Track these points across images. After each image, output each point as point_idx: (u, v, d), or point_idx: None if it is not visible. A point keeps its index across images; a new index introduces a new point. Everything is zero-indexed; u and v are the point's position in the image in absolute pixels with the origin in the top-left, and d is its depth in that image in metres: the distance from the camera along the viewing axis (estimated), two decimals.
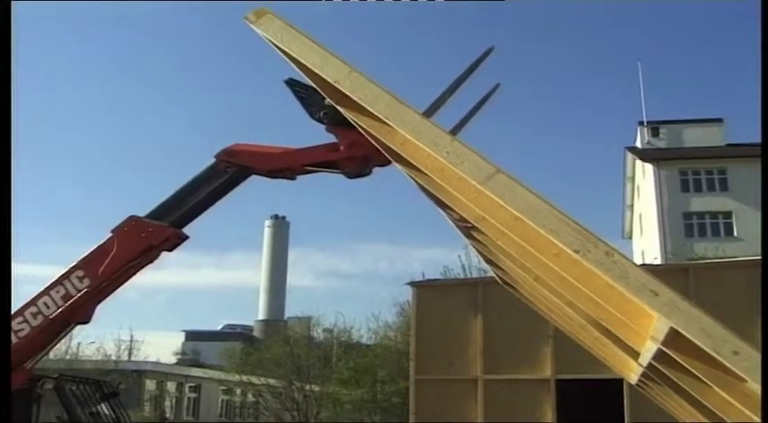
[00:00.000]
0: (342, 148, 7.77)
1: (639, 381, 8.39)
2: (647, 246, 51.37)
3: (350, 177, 8.14)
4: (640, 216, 55.66)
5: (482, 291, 17.59)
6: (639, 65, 63.92)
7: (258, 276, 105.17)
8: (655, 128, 53.03)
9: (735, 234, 48.09)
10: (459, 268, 29.74)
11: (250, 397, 38.19)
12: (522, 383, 17.12)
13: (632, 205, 58.27)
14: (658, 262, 38.39)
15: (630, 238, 60.97)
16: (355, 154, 7.71)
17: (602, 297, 4.41)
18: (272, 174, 8.53)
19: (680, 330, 3.81)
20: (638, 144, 53.29)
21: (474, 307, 17.64)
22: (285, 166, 8.43)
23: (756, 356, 3.74)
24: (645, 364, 5.43)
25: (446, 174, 4.69)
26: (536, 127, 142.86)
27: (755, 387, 3.78)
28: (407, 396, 18.18)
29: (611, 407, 16.77)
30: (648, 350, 4.79)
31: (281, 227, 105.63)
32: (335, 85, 4.99)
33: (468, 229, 7.60)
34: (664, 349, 4.27)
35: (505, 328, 17.27)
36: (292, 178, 8.55)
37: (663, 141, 52.38)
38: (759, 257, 18.43)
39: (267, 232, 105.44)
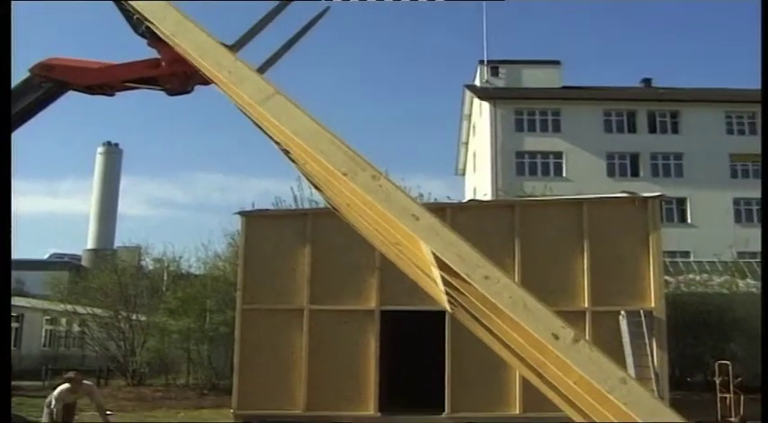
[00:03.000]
0: (163, 64, 7.55)
1: (451, 308, 8.56)
2: (479, 183, 52.79)
3: (171, 94, 7.92)
4: (474, 153, 57.00)
5: (311, 222, 17.57)
6: (484, 5, 65.12)
7: (89, 204, 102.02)
8: (494, 67, 54.08)
9: (564, 174, 50.06)
10: (291, 199, 29.68)
11: (75, 327, 37.13)
12: (348, 314, 17.33)
13: (467, 143, 59.59)
14: (488, 198, 39.44)
15: (464, 174, 62.51)
16: (176, 70, 7.50)
17: (389, 224, 4.41)
18: (90, 90, 8.15)
19: (438, 255, 3.86)
20: (478, 82, 54.27)
21: (302, 238, 17.62)
22: (103, 81, 8.07)
23: (506, 282, 3.82)
24: (442, 289, 5.50)
25: (234, 94, 4.56)
26: (380, 65, 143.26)
27: (512, 315, 3.85)
28: (235, 325, 18.06)
29: (435, 336, 17.24)
30: (436, 276, 4.85)
31: (113, 154, 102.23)
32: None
33: (287, 154, 7.47)
34: (443, 275, 4.30)
35: (333, 259, 17.37)
36: (111, 94, 8.23)
37: (502, 81, 53.58)
38: (582, 196, 19.24)
39: (99, 159, 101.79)
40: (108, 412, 13.92)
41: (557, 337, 3.92)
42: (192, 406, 21.54)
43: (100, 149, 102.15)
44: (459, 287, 4.27)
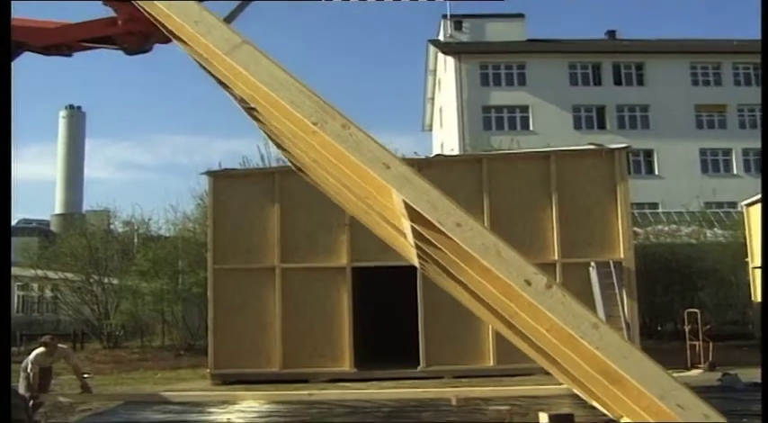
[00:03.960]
0: (120, 22, 7.45)
1: (420, 263, 8.62)
2: (446, 138, 52.76)
3: (129, 54, 7.83)
4: (441, 109, 56.88)
5: (279, 180, 17.52)
6: None
7: (55, 169, 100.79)
8: (458, 21, 53.76)
9: (530, 128, 50.12)
10: (258, 159, 29.54)
11: (48, 292, 36.87)
12: (319, 271, 17.37)
13: (433, 98, 59.42)
14: (456, 153, 39.45)
15: (431, 130, 62.42)
16: (133, 29, 7.42)
17: (358, 175, 4.42)
18: (48, 50, 8.03)
19: (410, 203, 3.88)
20: (441, 38, 53.98)
21: (271, 196, 17.59)
22: (60, 41, 7.96)
23: (479, 229, 3.87)
24: (412, 243, 5.54)
25: (200, 45, 4.53)
26: (345, 20, 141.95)
27: (484, 262, 3.91)
28: (207, 286, 18.06)
29: (408, 291, 17.35)
30: (406, 228, 4.88)
31: (76, 117, 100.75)
32: None
33: (251, 112, 7.43)
34: (413, 225, 4.34)
35: (303, 217, 17.37)
36: (69, 55, 8.12)
37: (465, 35, 53.29)
38: (549, 149, 19.31)
39: (62, 123, 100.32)
40: (85, 375, 13.92)
41: (529, 283, 3.99)
42: (168, 367, 21.57)
43: (62, 113, 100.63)
44: (429, 237, 4.30)
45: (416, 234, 4.68)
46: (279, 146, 9.06)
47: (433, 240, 4.37)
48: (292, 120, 4.24)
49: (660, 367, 4.23)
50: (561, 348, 5.02)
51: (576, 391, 8.73)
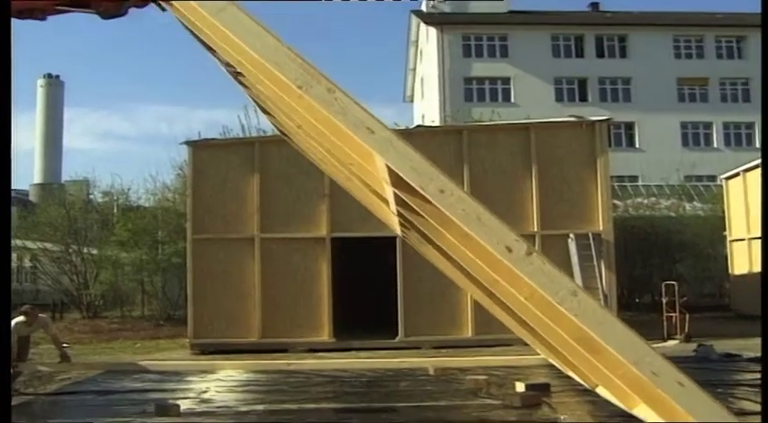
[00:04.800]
0: None
1: (402, 231, 8.62)
2: (427, 109, 52.60)
3: (104, 18, 7.65)
4: (422, 80, 56.68)
5: (259, 150, 17.45)
6: None
7: (33, 139, 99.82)
8: None
9: (512, 100, 50.07)
10: (238, 129, 29.40)
11: (27, 262, 36.68)
12: (299, 241, 17.36)
13: (415, 69, 59.17)
14: (436, 125, 39.40)
15: (412, 101, 62.24)
16: None
17: (342, 140, 4.41)
18: (20, 14, 7.86)
19: (393, 168, 3.87)
20: (424, 8, 53.69)
21: (251, 166, 17.52)
22: (33, 5, 7.78)
23: (461, 195, 3.86)
24: (394, 210, 5.53)
25: (187, 8, 4.48)
26: None
27: (465, 228, 3.91)
28: (187, 256, 18.02)
29: (387, 262, 17.39)
30: (389, 195, 4.87)
31: (54, 86, 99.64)
32: None
33: (236, 76, 7.36)
34: (396, 191, 4.33)
35: (283, 187, 17.33)
36: (43, 19, 7.93)
37: (448, 6, 52.98)
38: (530, 121, 19.33)
39: (40, 92, 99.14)
40: (64, 345, 13.89)
41: (510, 250, 4.00)
42: (148, 337, 21.58)
43: (40, 82, 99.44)
44: (412, 204, 4.30)
45: (399, 200, 4.67)
46: (265, 111, 8.99)
47: (415, 207, 4.36)
48: (277, 84, 4.21)
49: (635, 334, 4.26)
50: (540, 316, 5.04)
51: (553, 361, 8.78)
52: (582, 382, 8.16)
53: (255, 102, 9.26)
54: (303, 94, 3.84)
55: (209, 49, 6.54)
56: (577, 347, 5.32)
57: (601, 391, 7.49)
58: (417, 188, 3.94)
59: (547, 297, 4.07)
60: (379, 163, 4.14)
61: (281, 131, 10.60)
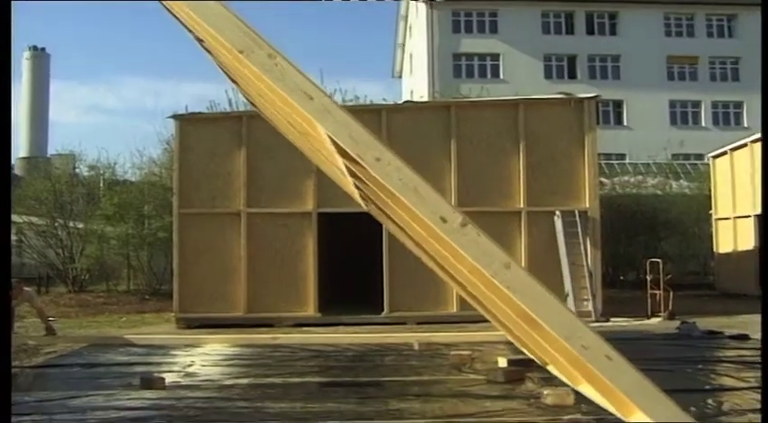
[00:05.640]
0: None
1: (364, 203, 8.58)
2: (415, 85, 52.48)
3: None
4: (411, 55, 56.47)
5: (246, 124, 17.38)
6: None
7: (18, 112, 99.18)
8: None
9: (501, 76, 49.99)
10: (226, 103, 29.25)
11: (12, 236, 36.54)
12: (285, 216, 17.35)
13: (404, 44, 58.94)
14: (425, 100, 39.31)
15: (400, 77, 62.05)
16: None
17: (291, 109, 4.39)
18: None
19: (332, 136, 3.87)
20: None
21: (238, 140, 17.47)
22: None
23: (398, 164, 3.86)
24: (351, 182, 5.53)
25: None
26: None
27: (402, 198, 3.91)
28: (173, 230, 17.98)
29: (373, 238, 17.39)
30: (341, 165, 4.87)
31: (40, 59, 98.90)
32: None
33: (200, 43, 7.28)
34: (344, 161, 4.33)
35: (269, 161, 17.28)
36: None
37: None
38: (518, 97, 19.30)
39: (25, 65, 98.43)
40: (50, 318, 13.89)
41: (444, 220, 3.99)
42: (133, 311, 21.56)
43: (26, 54, 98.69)
44: (359, 173, 4.30)
45: (349, 171, 4.66)
46: (233, 81, 8.90)
47: (362, 177, 4.36)
48: (225, 50, 4.18)
49: (567, 309, 4.27)
50: (484, 290, 5.04)
51: (510, 338, 8.76)
52: (536, 360, 8.19)
53: (222, 70, 9.17)
54: (244, 59, 3.82)
55: (183, 24, 6.48)
56: (521, 323, 5.34)
57: (551, 368, 7.53)
58: (355, 157, 3.94)
59: (481, 269, 4.08)
60: (321, 131, 4.14)
61: (249, 101, 10.52)
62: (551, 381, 7.74)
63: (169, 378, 8.95)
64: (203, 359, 11.20)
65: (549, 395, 7.16)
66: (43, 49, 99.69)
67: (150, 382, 8.55)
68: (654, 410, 3.94)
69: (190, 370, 10.08)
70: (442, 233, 4.05)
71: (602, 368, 4.05)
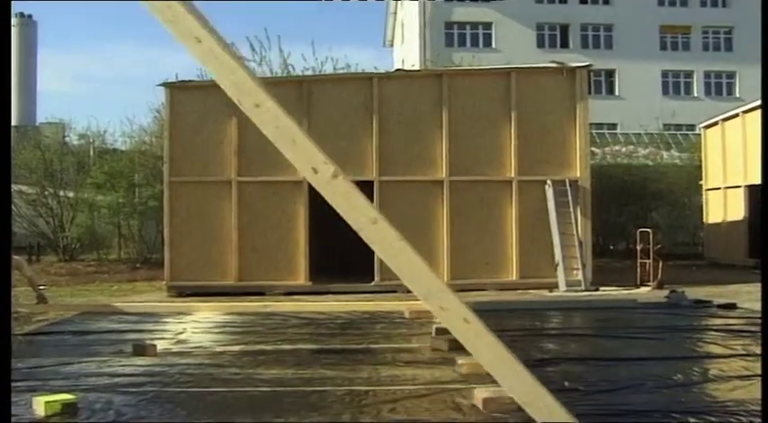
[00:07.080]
0: None
1: None
2: (407, 54, 52.20)
3: None
4: (403, 24, 56.14)
5: None
6: None
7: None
8: None
9: (493, 45, 49.81)
10: None
11: None
12: (277, 185, 17.32)
13: (396, 13, 58.60)
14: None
15: (392, 45, 61.73)
16: None
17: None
18: None
19: (216, 80, 3.85)
20: None
21: (229, 108, 17.33)
22: None
23: (277, 112, 3.83)
24: None
25: None
26: None
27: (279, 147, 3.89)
28: (164, 199, 17.95)
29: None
30: None
31: (27, 26, 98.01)
32: None
33: None
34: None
35: (260, 129, 17.20)
36: None
37: None
38: (510, 66, 19.24)
39: (12, 32, 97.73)
40: (40, 286, 13.88)
41: (316, 171, 4.00)
42: (124, 280, 21.59)
43: (13, 22, 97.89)
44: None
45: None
46: None
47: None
48: None
49: (430, 269, 4.26)
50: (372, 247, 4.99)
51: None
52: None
53: None
54: (145, 4, 3.80)
55: None
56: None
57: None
58: (236, 102, 3.93)
59: (348, 222, 4.10)
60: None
61: None
62: None
63: (161, 345, 8.99)
64: (195, 327, 11.24)
65: (463, 365, 7.09)
66: (30, 16, 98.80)
67: (142, 349, 8.59)
68: (504, 377, 3.99)
69: (181, 337, 10.12)
70: (314, 184, 4.07)
71: (461, 331, 4.08)
